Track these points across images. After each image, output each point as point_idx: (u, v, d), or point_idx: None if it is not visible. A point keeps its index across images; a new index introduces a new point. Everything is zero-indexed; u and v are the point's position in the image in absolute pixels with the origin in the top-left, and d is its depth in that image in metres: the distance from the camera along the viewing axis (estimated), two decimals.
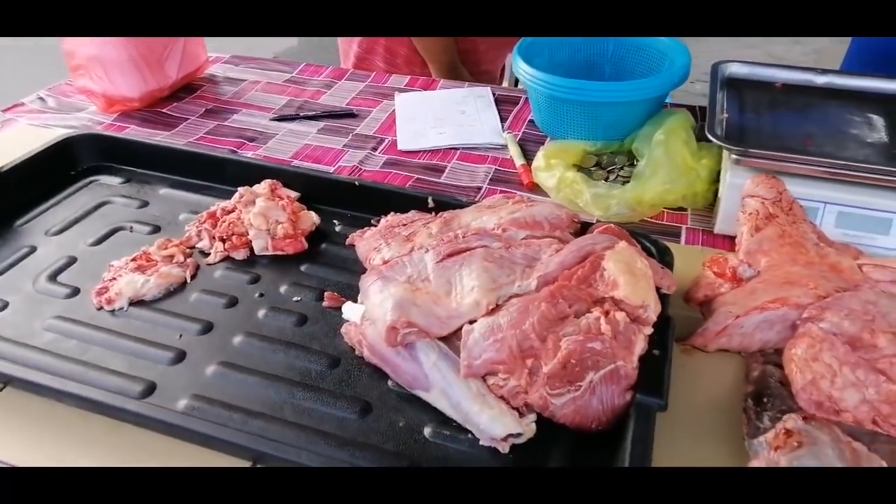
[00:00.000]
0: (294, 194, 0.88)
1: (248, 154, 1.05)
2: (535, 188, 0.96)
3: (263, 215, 0.81)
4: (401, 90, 1.25)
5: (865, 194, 0.78)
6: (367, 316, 0.65)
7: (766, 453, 0.55)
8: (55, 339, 0.69)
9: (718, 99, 0.91)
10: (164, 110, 1.17)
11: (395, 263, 0.68)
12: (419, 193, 0.87)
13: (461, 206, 0.81)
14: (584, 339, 0.58)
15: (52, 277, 0.77)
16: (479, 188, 0.97)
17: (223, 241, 0.81)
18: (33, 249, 0.81)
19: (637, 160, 0.97)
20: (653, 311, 0.61)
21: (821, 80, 0.96)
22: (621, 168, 0.97)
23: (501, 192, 0.96)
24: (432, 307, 0.63)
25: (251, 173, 0.90)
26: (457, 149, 1.06)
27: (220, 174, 0.93)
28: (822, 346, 0.62)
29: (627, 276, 0.61)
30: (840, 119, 0.89)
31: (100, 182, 0.95)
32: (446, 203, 0.83)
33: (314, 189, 0.89)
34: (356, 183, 0.88)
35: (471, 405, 0.58)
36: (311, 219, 0.84)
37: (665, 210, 0.91)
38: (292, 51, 3.92)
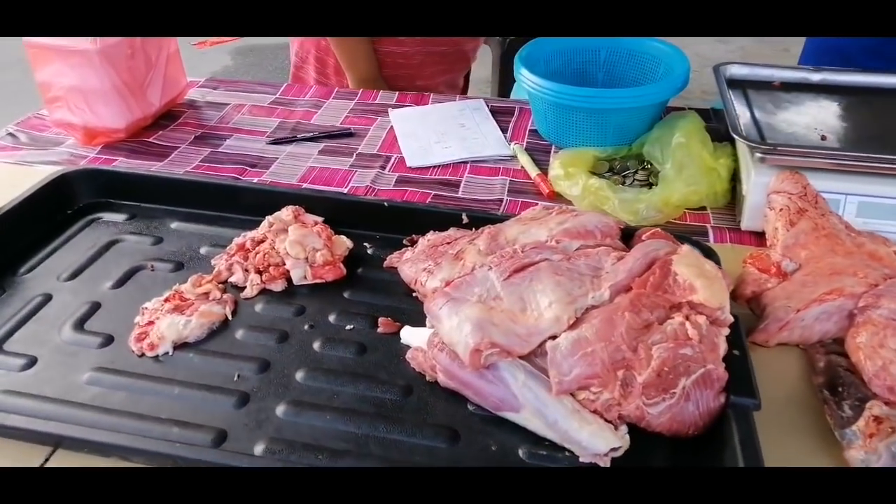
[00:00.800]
0: (317, 219, 0.85)
1: (254, 180, 1.01)
2: (555, 197, 0.96)
3: (300, 243, 0.78)
4: (393, 106, 1.23)
5: (885, 184, 0.81)
6: (445, 340, 0.63)
7: (861, 442, 0.56)
8: (101, 393, 0.64)
9: (729, 100, 0.93)
10: (150, 139, 1.11)
11: (459, 284, 0.67)
12: (451, 210, 0.85)
13: (497, 220, 0.80)
14: (675, 345, 0.58)
15: (79, 326, 0.72)
16: (500, 200, 0.97)
17: (259, 273, 0.77)
18: (48, 297, 0.76)
19: (648, 163, 0.99)
20: (729, 313, 0.62)
21: (815, 77, 1.00)
22: (635, 172, 0.98)
23: (524, 203, 0.95)
24: (511, 325, 0.61)
25: (268, 200, 0.87)
26: (466, 162, 1.06)
27: (233, 203, 0.89)
28: (886, 332, 0.64)
29: (703, 280, 0.62)
30: (845, 113, 0.93)
31: (102, 220, 0.89)
32: (481, 218, 0.82)
33: (339, 212, 0.86)
34: (385, 204, 0.86)
35: (569, 422, 0.57)
36: (345, 243, 0.82)
37: (686, 211, 0.92)
38: (228, 70, 3.83)
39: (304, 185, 1.00)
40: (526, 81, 1.03)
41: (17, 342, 0.70)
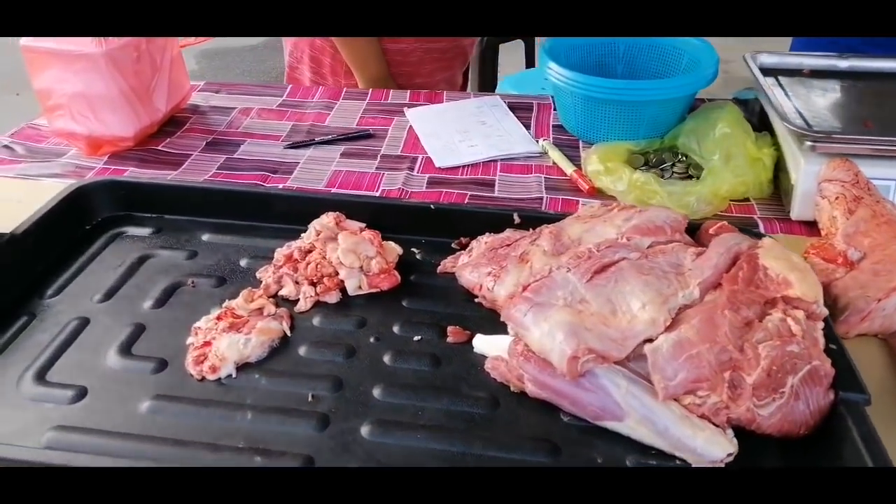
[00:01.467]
0: (360, 225, 0.81)
1: (278, 186, 0.96)
2: (596, 193, 0.94)
3: (353, 251, 0.74)
4: (407, 105, 1.19)
5: None
6: (535, 348, 0.60)
7: None
8: (167, 424, 0.59)
9: (766, 88, 0.92)
10: (159, 147, 1.05)
11: (538, 287, 0.63)
12: (500, 210, 0.82)
13: (550, 219, 0.78)
14: (781, 342, 0.56)
15: (126, 350, 0.66)
16: (540, 198, 0.94)
17: (313, 284, 0.73)
18: (85, 321, 0.70)
19: (683, 155, 0.98)
20: (823, 306, 0.60)
21: (843, 64, 1.00)
22: (673, 165, 0.96)
23: (564, 200, 0.93)
24: (604, 329, 0.59)
25: (304, 207, 0.82)
26: (495, 161, 1.03)
27: (266, 212, 0.84)
28: None
29: (796, 273, 0.60)
30: (880, 99, 0.93)
31: (126, 235, 0.83)
32: (533, 217, 0.80)
33: (381, 217, 0.82)
34: (431, 207, 0.82)
35: (681, 429, 0.54)
36: (396, 250, 0.78)
37: (731, 203, 0.91)
38: (194, 74, 3.71)
39: (334, 191, 0.96)
40: (555, 75, 1.01)
41: (60, 372, 0.64)
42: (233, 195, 0.85)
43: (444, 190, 0.96)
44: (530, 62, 2.55)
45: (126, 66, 0.98)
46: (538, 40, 2.10)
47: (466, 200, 0.93)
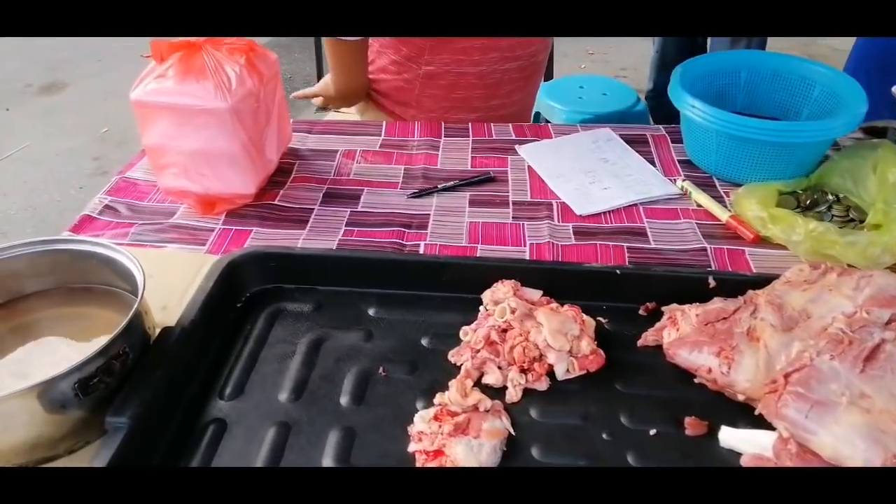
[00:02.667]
0: (537, 293, 0.76)
1: (418, 244, 0.90)
2: (760, 241, 0.89)
3: (561, 332, 0.68)
4: (515, 142, 1.13)
5: None
6: (826, 454, 0.55)
7: None
8: None
9: None
10: (275, 202, 0.98)
11: (804, 380, 0.59)
12: (693, 273, 0.78)
13: (750, 282, 0.73)
14: None
15: (343, 460, 0.60)
16: (703, 249, 0.89)
17: (524, 371, 0.67)
18: (285, 427, 0.63)
19: (836, 196, 0.94)
20: None
21: None
22: (829, 207, 0.92)
23: (730, 251, 0.88)
24: None
25: (475, 274, 0.77)
26: (635, 205, 0.97)
27: (433, 280, 0.78)
28: None
29: None
30: None
31: (287, 311, 0.77)
32: (727, 280, 0.75)
33: (559, 282, 0.77)
34: (618, 272, 0.77)
35: None
36: (593, 324, 0.73)
37: None
38: None
39: (480, 247, 0.90)
40: (700, 114, 0.96)
41: None
42: (399, 264, 0.79)
43: (598, 242, 0.90)
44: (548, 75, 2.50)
45: (247, 118, 0.90)
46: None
47: (627, 256, 0.88)
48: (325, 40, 1.25)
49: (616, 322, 0.75)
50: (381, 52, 1.28)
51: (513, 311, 0.71)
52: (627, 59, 3.63)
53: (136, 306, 0.64)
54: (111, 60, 3.69)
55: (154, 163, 0.93)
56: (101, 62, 3.68)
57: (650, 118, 2.36)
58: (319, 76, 2.94)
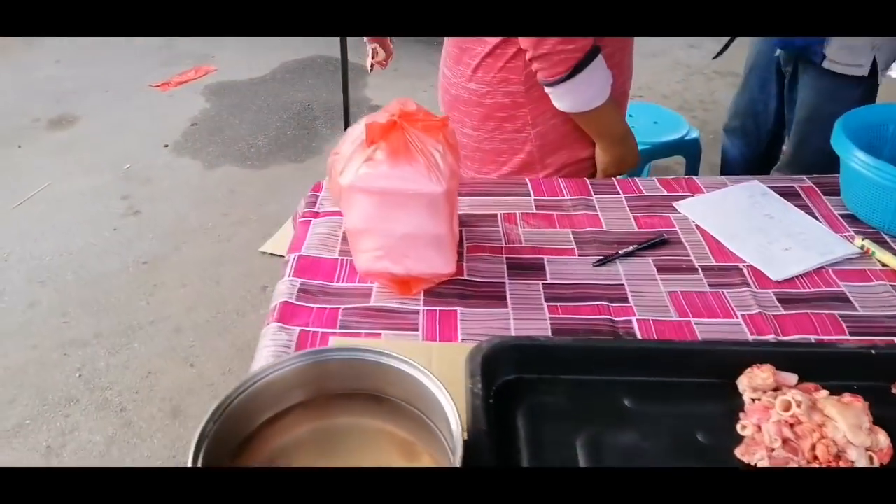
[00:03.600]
0: (793, 377, 0.75)
1: (630, 321, 0.89)
2: None
3: (858, 426, 0.68)
4: (668, 198, 1.13)
5: None
6: None
7: None
8: None
9: None
10: (464, 276, 0.96)
11: None
12: None
13: None
14: None
15: None
16: None
17: None
18: None
19: None
20: None
21: None
22: None
23: None
24: None
25: (728, 358, 0.76)
26: (823, 267, 0.98)
27: (683, 366, 0.77)
28: None
29: None
30: None
31: (543, 405, 0.75)
32: None
33: (813, 364, 0.77)
34: (872, 352, 0.77)
35: None
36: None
37: None
38: (208, 113, 3.48)
39: (694, 320, 0.89)
40: (872, 170, 0.98)
41: None
42: (651, 353, 0.78)
43: (809, 311, 0.90)
44: None
45: (453, 198, 0.88)
46: None
47: (844, 325, 0.88)
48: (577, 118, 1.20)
49: (875, 405, 0.75)
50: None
51: (798, 405, 0.70)
52: (641, 79, 3.67)
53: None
54: (118, 90, 3.58)
55: (353, 245, 0.90)
56: (108, 93, 3.57)
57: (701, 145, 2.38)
58: (346, 106, 2.91)
